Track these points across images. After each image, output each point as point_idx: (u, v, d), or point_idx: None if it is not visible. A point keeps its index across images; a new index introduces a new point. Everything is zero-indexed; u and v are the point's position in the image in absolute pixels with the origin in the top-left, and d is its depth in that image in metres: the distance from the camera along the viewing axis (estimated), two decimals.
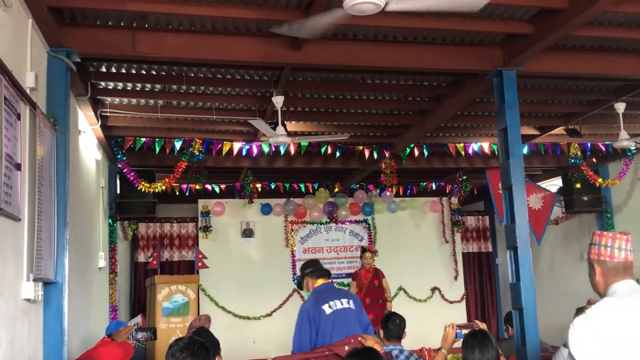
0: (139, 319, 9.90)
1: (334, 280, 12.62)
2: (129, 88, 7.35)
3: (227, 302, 12.05)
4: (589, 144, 10.43)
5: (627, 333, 2.47)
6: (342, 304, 5.36)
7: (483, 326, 4.03)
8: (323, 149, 9.90)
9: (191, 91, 7.52)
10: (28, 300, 4.44)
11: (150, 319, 9.30)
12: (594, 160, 10.98)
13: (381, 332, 5.10)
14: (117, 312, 9.61)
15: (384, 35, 6.19)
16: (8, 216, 3.97)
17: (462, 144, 10.11)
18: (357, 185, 12.86)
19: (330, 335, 5.14)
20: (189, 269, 12.12)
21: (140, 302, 11.83)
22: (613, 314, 2.54)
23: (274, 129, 7.28)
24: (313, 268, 5.66)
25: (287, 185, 12.67)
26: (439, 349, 4.42)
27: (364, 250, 10.77)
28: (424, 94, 8.04)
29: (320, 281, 5.58)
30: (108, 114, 7.98)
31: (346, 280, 12.56)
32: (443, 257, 13.26)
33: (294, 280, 12.45)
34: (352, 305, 5.41)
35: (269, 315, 12.23)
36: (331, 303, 5.33)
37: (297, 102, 7.99)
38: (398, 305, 10.42)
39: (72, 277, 5.78)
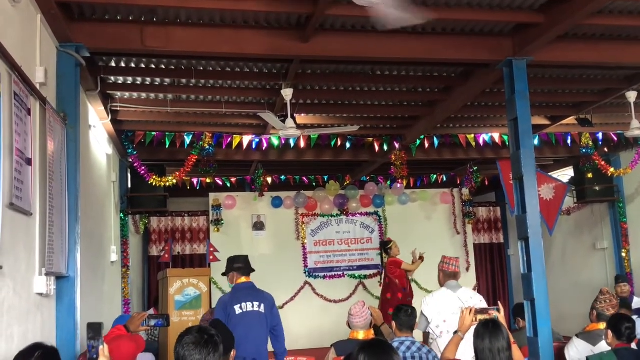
0: (151, 312, 9.96)
1: (345, 273, 12.67)
2: (138, 82, 7.36)
3: None
4: (600, 134, 10.37)
5: (446, 305, 5.49)
6: (252, 306, 5.75)
7: (501, 313, 4.05)
8: (333, 142, 9.88)
9: (200, 85, 7.52)
10: (40, 294, 4.48)
11: (162, 313, 9.33)
12: (605, 149, 10.92)
13: (393, 323, 5.11)
14: (130, 306, 9.66)
15: None
16: (20, 211, 4.00)
17: (472, 135, 10.06)
18: (368, 178, 12.84)
19: (236, 335, 5.47)
20: (201, 262, 12.18)
21: (153, 295, 11.89)
22: (443, 295, 5.59)
23: (284, 121, 7.27)
24: (242, 265, 6.00)
25: (297, 178, 12.66)
26: (456, 331, 4.43)
27: (387, 242, 10.48)
28: (434, 85, 7.99)
29: (243, 279, 5.95)
30: (118, 109, 8.00)
31: (357, 273, 12.58)
32: (454, 249, 13.22)
33: (305, 272, 12.48)
34: (262, 309, 5.78)
35: (281, 308, 12.10)
36: (243, 304, 5.74)
37: (307, 95, 7.98)
38: None
39: (84, 272, 5.82)
